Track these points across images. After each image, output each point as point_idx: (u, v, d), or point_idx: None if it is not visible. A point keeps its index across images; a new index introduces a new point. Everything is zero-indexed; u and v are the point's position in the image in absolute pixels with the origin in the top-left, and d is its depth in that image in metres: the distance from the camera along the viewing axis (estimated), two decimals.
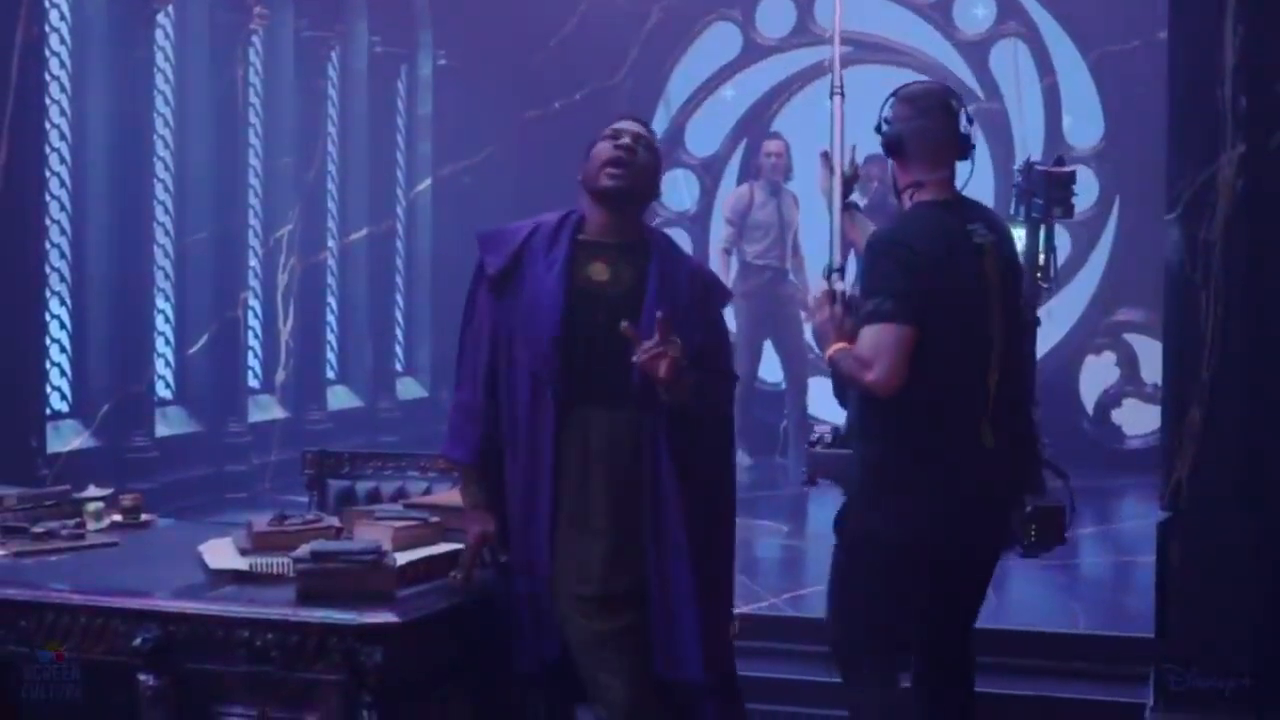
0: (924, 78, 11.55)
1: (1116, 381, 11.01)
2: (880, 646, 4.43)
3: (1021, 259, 5.02)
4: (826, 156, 4.78)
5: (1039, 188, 5.52)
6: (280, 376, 10.10)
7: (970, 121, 4.42)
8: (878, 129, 4.53)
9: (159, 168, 9.07)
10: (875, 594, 4.35)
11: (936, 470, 4.22)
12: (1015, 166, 6.21)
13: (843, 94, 4.77)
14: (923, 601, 4.38)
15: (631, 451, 3.92)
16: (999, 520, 4.41)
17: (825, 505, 9.46)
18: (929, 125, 4.35)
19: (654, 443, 3.91)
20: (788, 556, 7.73)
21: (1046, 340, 10.96)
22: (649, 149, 4.06)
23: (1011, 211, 5.69)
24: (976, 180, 4.54)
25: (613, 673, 3.87)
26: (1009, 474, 4.37)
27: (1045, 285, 5.61)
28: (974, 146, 4.43)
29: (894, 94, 4.50)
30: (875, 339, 4.14)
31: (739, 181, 11.04)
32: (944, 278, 4.19)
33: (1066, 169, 5.66)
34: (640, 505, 3.92)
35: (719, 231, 10.24)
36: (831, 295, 4.37)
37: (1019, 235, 5.25)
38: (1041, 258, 5.45)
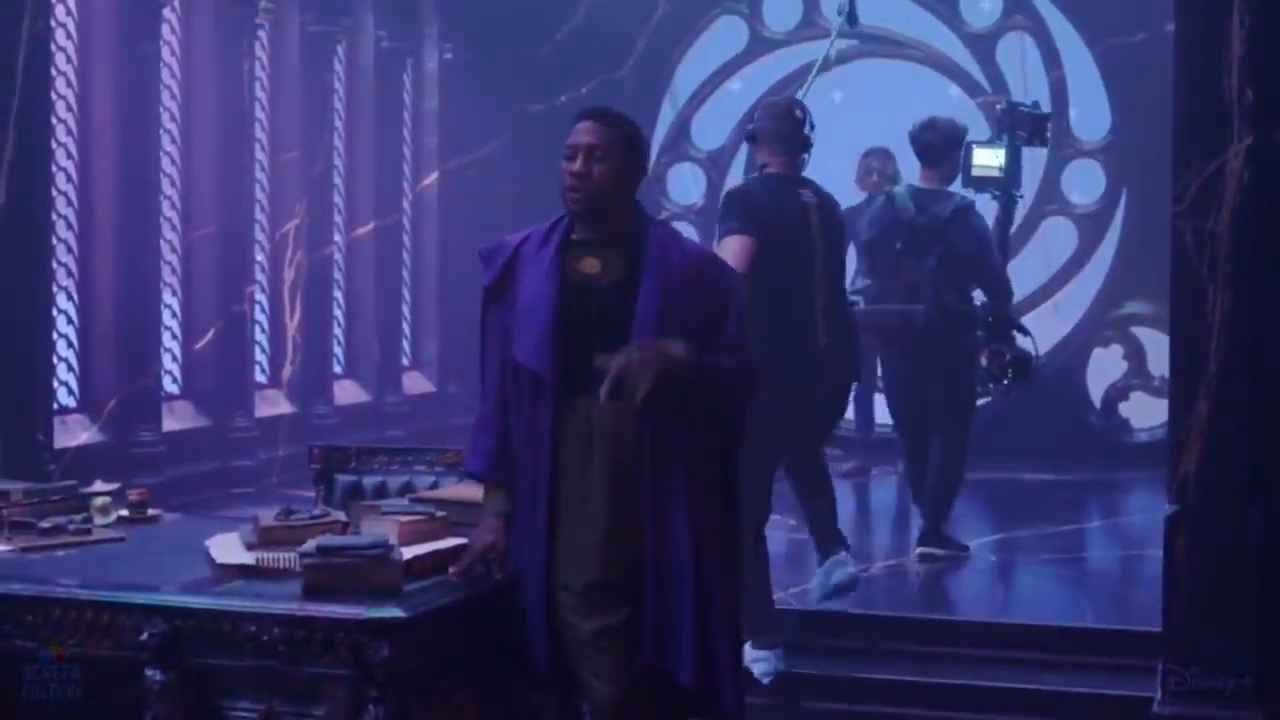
0: (930, 72, 11.58)
1: (1124, 375, 11.00)
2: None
3: (1001, 173, 7.64)
4: None
5: (1021, 124, 7.66)
6: (287, 371, 10.11)
7: (812, 127, 6.16)
8: (747, 124, 6.45)
9: (165, 162, 9.07)
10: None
11: (784, 361, 5.83)
12: (998, 106, 8.02)
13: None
14: (781, 443, 6.14)
15: (635, 439, 3.93)
16: (834, 385, 6.29)
17: None
18: (778, 126, 6.15)
19: (656, 430, 3.90)
20: (792, 550, 7.70)
21: (1054, 333, 10.99)
22: (605, 155, 4.01)
23: (994, 136, 7.71)
24: None
25: (599, 674, 3.90)
26: (837, 359, 6.16)
27: (1018, 193, 7.91)
28: (812, 144, 6.18)
29: (758, 104, 6.61)
30: (725, 247, 5.85)
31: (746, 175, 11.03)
32: (777, 222, 5.99)
33: (1044, 112, 7.85)
34: (640, 494, 3.92)
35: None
36: None
37: (999, 154, 7.68)
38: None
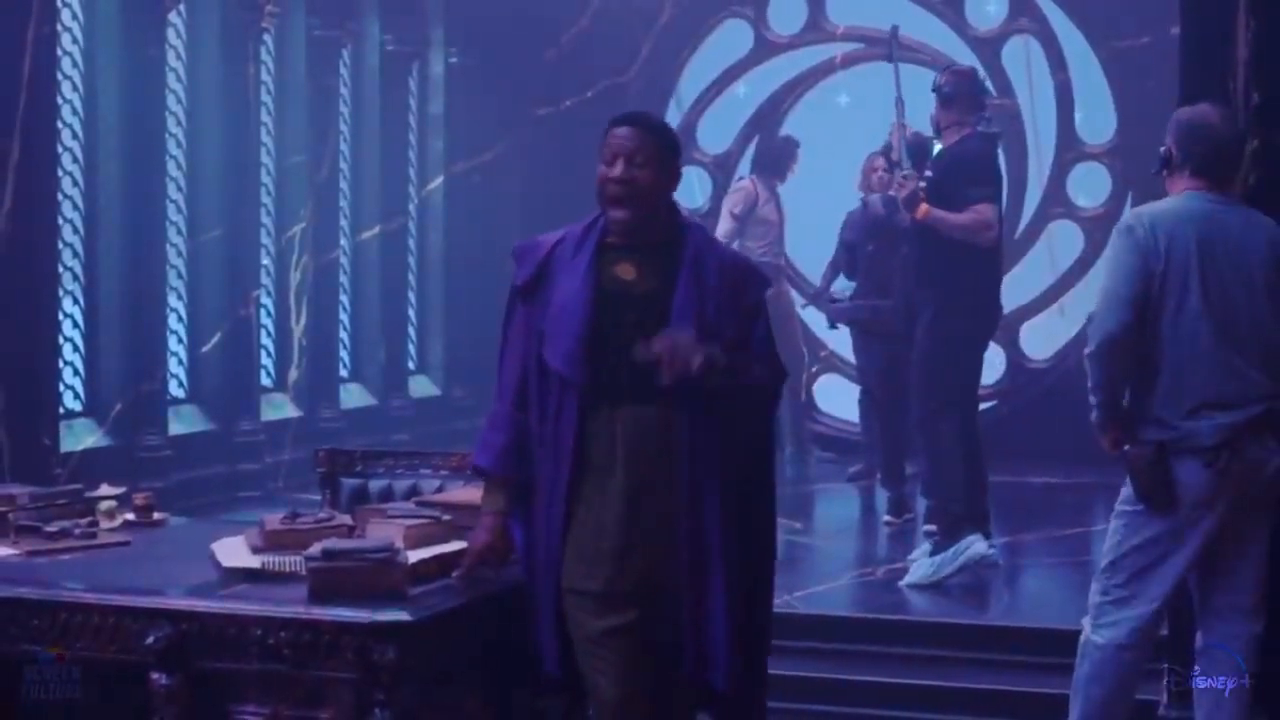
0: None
1: None
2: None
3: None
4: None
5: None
6: (293, 375, 10.12)
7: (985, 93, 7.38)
8: (939, 82, 7.22)
9: (171, 166, 9.08)
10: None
11: (996, 291, 7.24)
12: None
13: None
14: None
15: (658, 449, 3.92)
16: None
17: (833, 501, 9.53)
18: (972, 88, 7.27)
19: (682, 441, 3.91)
20: (798, 554, 7.72)
21: (1061, 334, 10.98)
22: (646, 161, 4.02)
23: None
24: None
25: (605, 673, 3.90)
26: None
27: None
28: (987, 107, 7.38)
29: (944, 68, 7.66)
30: (981, 213, 6.93)
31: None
32: (1001, 177, 7.26)
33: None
34: (660, 505, 3.92)
35: (720, 226, 10.16)
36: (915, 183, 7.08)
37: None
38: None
